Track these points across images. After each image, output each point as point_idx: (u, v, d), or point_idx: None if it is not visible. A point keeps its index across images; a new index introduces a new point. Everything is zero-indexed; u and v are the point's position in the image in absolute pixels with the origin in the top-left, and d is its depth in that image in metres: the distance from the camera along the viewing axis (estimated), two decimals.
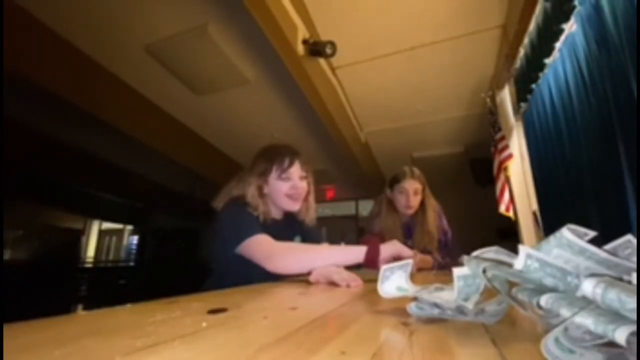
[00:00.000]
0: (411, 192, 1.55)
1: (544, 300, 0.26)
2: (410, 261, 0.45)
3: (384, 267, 0.43)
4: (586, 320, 0.23)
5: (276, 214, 1.09)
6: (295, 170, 1.06)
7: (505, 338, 0.29)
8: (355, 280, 0.72)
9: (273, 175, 1.04)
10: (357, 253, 0.84)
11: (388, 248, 0.85)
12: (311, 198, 1.14)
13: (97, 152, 4.42)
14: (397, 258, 0.85)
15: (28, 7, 2.15)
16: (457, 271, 0.34)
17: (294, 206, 1.06)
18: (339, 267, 0.81)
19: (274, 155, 1.07)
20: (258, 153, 1.12)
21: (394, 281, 0.43)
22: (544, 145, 2.15)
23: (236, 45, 2.46)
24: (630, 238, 0.28)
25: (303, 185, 1.07)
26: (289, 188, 1.04)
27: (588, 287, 0.24)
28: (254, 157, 1.12)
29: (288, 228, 1.10)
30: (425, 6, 2.14)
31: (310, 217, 1.14)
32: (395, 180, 1.60)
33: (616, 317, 0.22)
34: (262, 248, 0.86)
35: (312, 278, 0.79)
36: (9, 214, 5.31)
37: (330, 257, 0.83)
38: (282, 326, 0.32)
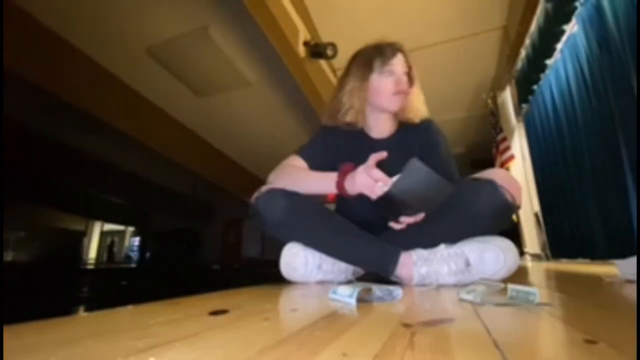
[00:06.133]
0: None
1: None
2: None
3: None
4: None
5: (381, 129, 0.98)
6: (399, 62, 0.92)
7: (507, 340, 0.28)
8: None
9: (375, 72, 0.92)
10: (330, 181, 0.77)
11: (360, 178, 0.70)
12: (417, 91, 1.00)
13: (99, 154, 4.44)
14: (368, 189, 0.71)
15: (30, 9, 2.16)
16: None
17: (398, 104, 0.93)
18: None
19: (372, 50, 0.94)
20: (352, 56, 1.00)
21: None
22: (545, 146, 2.15)
23: (237, 47, 2.46)
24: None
25: (406, 80, 0.93)
26: (393, 84, 0.91)
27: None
28: (348, 61, 0.99)
29: (401, 145, 0.96)
30: (427, 8, 2.14)
31: (418, 112, 1.00)
32: None
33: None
34: (277, 168, 0.91)
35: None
36: (11, 216, 5.32)
37: (307, 184, 0.82)
38: (283, 328, 0.32)
